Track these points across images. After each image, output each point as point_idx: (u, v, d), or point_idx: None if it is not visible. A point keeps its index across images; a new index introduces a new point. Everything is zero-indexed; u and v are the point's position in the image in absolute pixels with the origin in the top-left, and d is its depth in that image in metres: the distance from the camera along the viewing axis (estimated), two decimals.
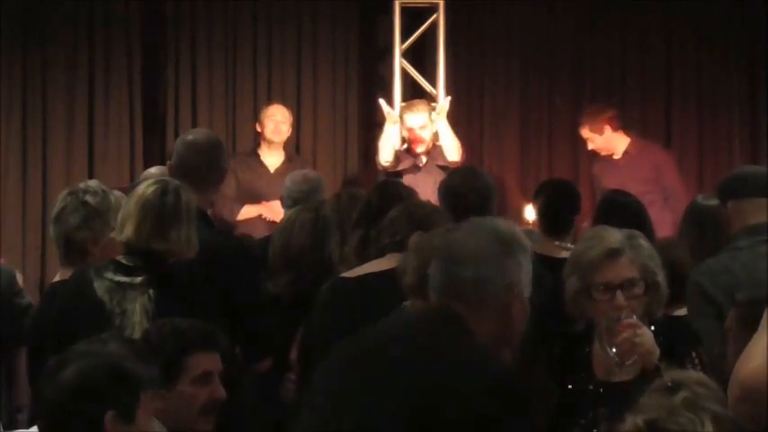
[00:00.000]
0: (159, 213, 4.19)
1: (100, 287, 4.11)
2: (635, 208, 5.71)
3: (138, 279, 4.10)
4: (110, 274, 4.12)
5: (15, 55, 9.51)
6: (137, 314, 4.06)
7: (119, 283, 4.10)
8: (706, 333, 4.21)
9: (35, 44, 9.53)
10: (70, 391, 2.89)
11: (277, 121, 8.71)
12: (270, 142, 8.70)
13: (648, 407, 2.71)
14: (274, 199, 8.18)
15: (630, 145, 8.68)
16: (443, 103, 8.76)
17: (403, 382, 2.72)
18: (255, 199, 8.49)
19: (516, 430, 2.75)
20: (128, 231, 4.20)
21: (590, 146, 8.73)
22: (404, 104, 8.98)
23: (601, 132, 8.65)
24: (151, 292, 4.08)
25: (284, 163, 8.69)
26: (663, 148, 9.10)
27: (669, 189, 8.37)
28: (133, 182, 8.45)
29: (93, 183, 4.64)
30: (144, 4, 9.71)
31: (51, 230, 4.52)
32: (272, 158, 8.72)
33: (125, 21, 9.62)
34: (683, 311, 4.53)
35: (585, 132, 8.72)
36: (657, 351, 3.61)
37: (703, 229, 5.33)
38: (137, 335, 3.96)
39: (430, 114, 8.58)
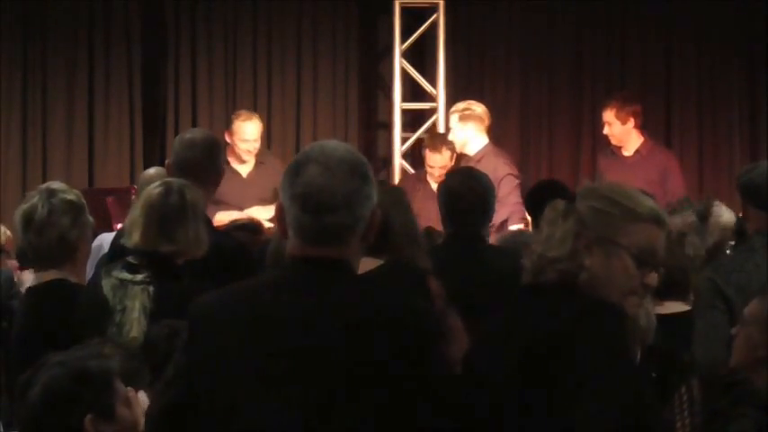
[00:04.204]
0: (164, 215, 4.21)
1: (106, 285, 4.15)
2: None
3: (140, 276, 4.11)
4: (116, 272, 4.15)
5: (15, 55, 9.52)
6: (135, 311, 4.07)
7: (122, 281, 4.13)
8: (712, 325, 4.35)
9: (35, 44, 9.54)
10: (41, 408, 2.84)
11: (249, 141, 8.39)
12: (239, 157, 8.37)
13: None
14: (248, 205, 7.95)
15: (642, 145, 8.62)
16: None
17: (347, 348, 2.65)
18: (227, 207, 7.95)
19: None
20: (135, 237, 4.22)
21: (606, 130, 8.57)
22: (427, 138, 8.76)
23: (624, 122, 8.54)
24: (151, 289, 4.09)
25: (256, 167, 8.40)
26: (671, 152, 9.03)
27: (672, 194, 8.31)
28: (133, 182, 8.50)
29: (58, 183, 4.64)
30: (144, 4, 9.72)
31: (37, 235, 4.48)
32: (243, 164, 8.42)
33: (125, 21, 9.63)
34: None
35: (609, 116, 8.53)
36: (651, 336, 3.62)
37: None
38: (134, 332, 3.98)
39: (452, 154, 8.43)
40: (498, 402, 2.89)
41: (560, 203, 3.02)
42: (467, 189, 5.13)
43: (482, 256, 4.90)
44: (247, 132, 8.40)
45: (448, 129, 8.79)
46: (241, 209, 7.97)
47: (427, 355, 2.66)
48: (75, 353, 2.94)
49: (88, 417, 2.82)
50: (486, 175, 5.39)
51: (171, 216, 4.20)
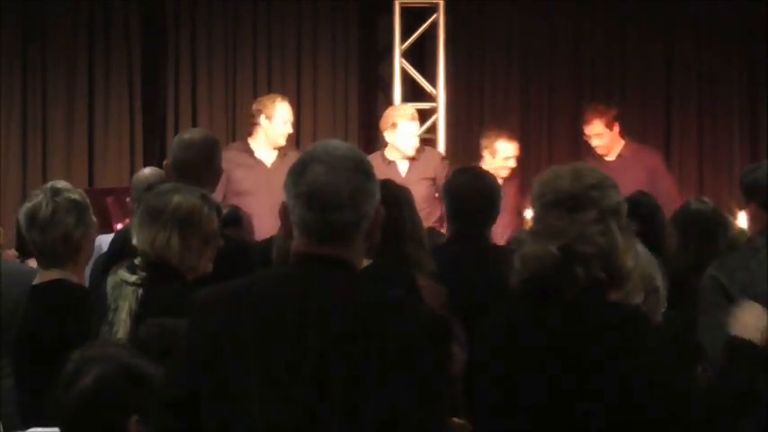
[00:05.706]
0: (139, 213, 4.21)
1: (109, 282, 4.15)
2: (647, 209, 5.64)
3: (134, 278, 4.11)
4: (121, 271, 4.15)
5: (15, 55, 9.52)
6: (123, 312, 4.06)
7: (121, 280, 4.13)
8: (715, 323, 4.34)
9: (35, 44, 9.54)
10: (91, 399, 2.84)
11: (289, 123, 8.23)
12: (275, 142, 8.19)
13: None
14: (269, 196, 7.66)
15: (625, 148, 8.59)
16: None
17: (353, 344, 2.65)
18: (252, 197, 7.89)
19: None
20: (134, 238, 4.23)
21: (595, 142, 8.53)
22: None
23: (612, 128, 8.52)
24: (140, 291, 4.08)
25: (280, 158, 8.18)
26: (654, 151, 8.99)
27: (664, 193, 8.23)
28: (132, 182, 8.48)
29: (62, 182, 4.65)
30: (144, 4, 9.72)
31: (41, 233, 4.49)
32: (268, 153, 8.25)
33: (125, 21, 9.63)
34: None
35: (598, 127, 8.49)
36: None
37: (691, 233, 5.35)
38: (121, 333, 3.98)
39: None
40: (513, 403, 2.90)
41: (563, 207, 3.02)
42: (473, 189, 5.13)
43: (484, 255, 4.90)
44: (288, 112, 8.23)
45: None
46: (266, 199, 7.71)
47: (429, 355, 2.66)
48: (126, 351, 2.95)
49: (134, 417, 2.83)
50: (492, 175, 5.39)
51: (142, 215, 4.19)
